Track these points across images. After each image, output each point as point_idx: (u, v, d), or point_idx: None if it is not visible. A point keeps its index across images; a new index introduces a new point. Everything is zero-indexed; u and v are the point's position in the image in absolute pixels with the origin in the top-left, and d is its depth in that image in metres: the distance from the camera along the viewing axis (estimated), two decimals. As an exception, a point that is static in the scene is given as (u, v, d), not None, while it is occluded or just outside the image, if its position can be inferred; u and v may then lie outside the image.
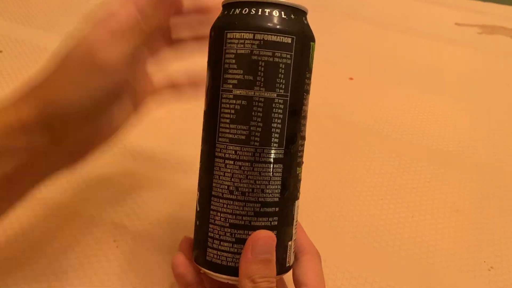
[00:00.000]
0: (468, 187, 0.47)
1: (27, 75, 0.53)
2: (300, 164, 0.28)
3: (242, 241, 0.26)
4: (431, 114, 0.58)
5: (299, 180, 0.29)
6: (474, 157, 0.51)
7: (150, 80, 0.32)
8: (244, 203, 0.26)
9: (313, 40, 0.28)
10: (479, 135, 0.55)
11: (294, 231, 0.28)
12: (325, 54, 0.75)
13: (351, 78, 0.63)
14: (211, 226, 0.27)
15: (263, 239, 0.25)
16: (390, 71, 0.66)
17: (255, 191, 0.26)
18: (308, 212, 0.41)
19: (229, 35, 0.26)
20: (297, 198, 0.28)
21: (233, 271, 0.26)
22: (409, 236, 0.40)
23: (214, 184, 0.27)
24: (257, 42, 0.26)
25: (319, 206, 0.42)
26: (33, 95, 0.26)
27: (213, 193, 0.27)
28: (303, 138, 0.28)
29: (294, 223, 0.28)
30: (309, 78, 0.28)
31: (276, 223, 0.27)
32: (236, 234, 0.26)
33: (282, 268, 0.27)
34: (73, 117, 0.25)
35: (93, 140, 0.28)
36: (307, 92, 0.28)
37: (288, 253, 0.28)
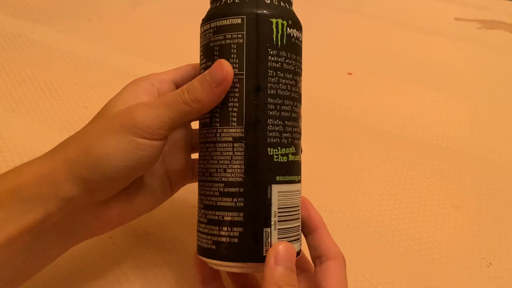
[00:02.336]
0: (467, 183, 0.46)
1: (22, 68, 0.53)
2: (275, 145, 0.27)
3: (212, 222, 0.27)
4: (430, 110, 0.57)
5: (278, 163, 0.27)
6: (473, 153, 0.51)
7: (191, 166, 0.32)
8: (211, 184, 0.27)
9: (277, 17, 0.27)
10: (478, 130, 0.55)
11: (274, 218, 0.26)
12: (324, 49, 0.75)
13: (350, 73, 0.62)
14: (198, 210, 0.29)
15: (283, 249, 0.26)
16: (389, 66, 0.66)
17: (218, 171, 0.27)
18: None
19: (201, 30, 0.29)
20: (273, 181, 0.26)
21: (208, 253, 0.27)
22: (408, 232, 0.40)
23: (198, 169, 0.29)
24: (212, 30, 0.28)
25: (318, 201, 0.42)
26: (72, 143, 0.27)
27: (198, 178, 0.29)
28: (281, 117, 0.27)
29: (272, 209, 0.26)
30: (278, 55, 0.27)
31: (242, 204, 0.26)
32: (207, 215, 0.27)
33: (256, 257, 0.26)
34: (106, 170, 0.25)
35: (125, 210, 0.29)
36: (275, 69, 0.27)
37: (264, 241, 0.26)
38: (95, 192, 0.26)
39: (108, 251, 0.35)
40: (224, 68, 0.26)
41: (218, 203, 0.27)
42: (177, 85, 0.30)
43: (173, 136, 0.31)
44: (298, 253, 0.28)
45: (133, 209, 0.29)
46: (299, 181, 0.29)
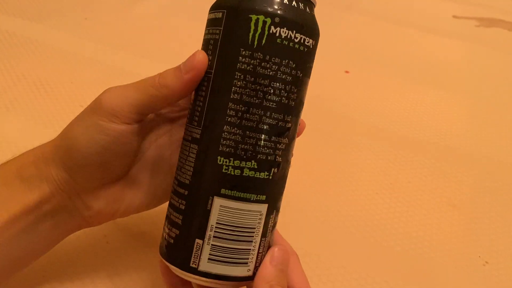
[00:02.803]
0: (464, 181, 0.46)
1: (17, 67, 0.53)
2: (227, 155, 0.24)
3: (166, 218, 0.27)
4: (428, 108, 0.57)
5: (226, 175, 0.24)
6: (470, 151, 0.51)
7: None
8: (173, 180, 0.27)
9: (258, 13, 0.24)
10: (476, 129, 0.54)
11: (209, 232, 0.24)
12: (321, 47, 0.74)
13: (347, 72, 0.62)
14: None
15: (278, 251, 0.26)
16: (386, 65, 0.66)
17: (177, 168, 0.26)
18: (302, 206, 0.41)
19: None
20: (216, 193, 0.24)
21: (159, 247, 0.27)
22: (404, 231, 0.40)
23: None
24: (206, 23, 0.26)
25: (314, 200, 0.42)
26: (61, 132, 0.28)
27: None
28: (241, 126, 0.24)
29: (209, 222, 0.24)
30: (251, 57, 0.24)
31: (183, 207, 0.25)
32: (167, 211, 0.27)
33: (184, 265, 0.25)
34: (76, 155, 0.26)
35: (114, 203, 0.29)
36: (245, 72, 0.24)
37: (194, 252, 0.24)
38: (76, 177, 0.27)
39: (102, 250, 0.34)
40: (196, 57, 0.25)
41: (171, 200, 0.27)
42: None
43: (182, 135, 0.31)
44: (237, 278, 0.25)
45: (123, 203, 0.29)
46: (260, 201, 0.25)
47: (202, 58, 0.25)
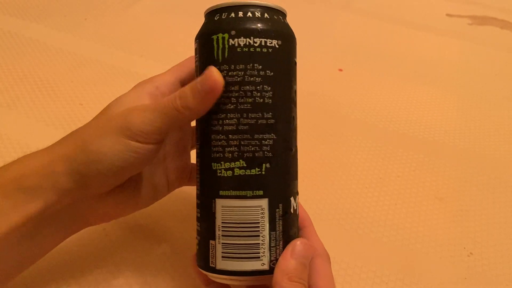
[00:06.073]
0: (452, 176, 0.48)
1: (19, 66, 0.55)
2: (218, 159, 0.27)
3: (197, 232, 0.29)
4: (418, 104, 0.58)
5: (221, 177, 0.27)
6: (458, 146, 0.52)
7: (189, 168, 0.34)
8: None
9: (217, 32, 0.27)
10: (464, 125, 0.56)
11: (218, 232, 0.27)
12: (315, 45, 0.76)
13: (340, 69, 0.63)
14: None
15: (300, 244, 0.26)
16: (379, 63, 0.67)
17: (197, 183, 0.30)
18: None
19: None
20: (217, 196, 0.27)
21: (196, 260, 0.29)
22: (392, 223, 0.41)
23: None
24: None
25: (304, 194, 0.43)
26: (71, 139, 0.28)
27: None
28: (224, 132, 0.27)
29: (216, 223, 0.27)
30: (220, 69, 0.27)
31: (199, 215, 0.29)
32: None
33: (206, 266, 0.27)
34: (101, 168, 0.26)
35: (120, 205, 0.30)
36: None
37: (210, 252, 0.27)
38: (89, 186, 0.27)
39: (101, 242, 0.36)
40: (213, 77, 0.26)
41: (196, 213, 0.29)
42: (183, 83, 0.31)
43: (176, 137, 0.32)
44: (252, 272, 0.26)
45: (128, 204, 0.31)
46: (258, 197, 0.27)
47: (219, 76, 0.26)
